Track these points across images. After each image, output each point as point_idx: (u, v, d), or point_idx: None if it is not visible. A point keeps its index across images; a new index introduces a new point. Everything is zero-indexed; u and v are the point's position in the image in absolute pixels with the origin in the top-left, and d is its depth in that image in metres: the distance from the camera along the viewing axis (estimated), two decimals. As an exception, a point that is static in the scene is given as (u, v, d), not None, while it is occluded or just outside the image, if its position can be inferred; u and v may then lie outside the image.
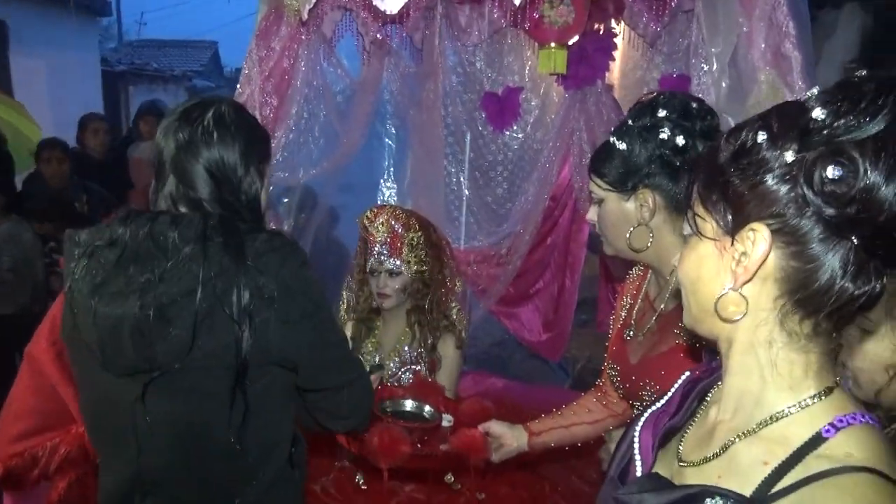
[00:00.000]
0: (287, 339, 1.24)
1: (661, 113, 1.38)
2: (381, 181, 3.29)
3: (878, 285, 0.71)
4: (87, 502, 1.75)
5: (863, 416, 0.73)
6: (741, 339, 0.78)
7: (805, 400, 0.74)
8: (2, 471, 1.67)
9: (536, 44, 3.21)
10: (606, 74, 3.06)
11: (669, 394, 0.97)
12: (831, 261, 0.70)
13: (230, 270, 1.18)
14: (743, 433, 0.78)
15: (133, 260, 1.19)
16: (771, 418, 0.76)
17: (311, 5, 2.34)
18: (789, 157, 0.69)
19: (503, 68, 3.27)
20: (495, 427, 1.79)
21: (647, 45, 3.00)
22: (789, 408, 0.75)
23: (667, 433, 0.92)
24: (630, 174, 1.41)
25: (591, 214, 1.56)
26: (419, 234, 2.26)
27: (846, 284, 0.70)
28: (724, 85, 1.90)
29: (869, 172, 0.65)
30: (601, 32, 3.00)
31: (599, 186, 1.48)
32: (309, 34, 2.49)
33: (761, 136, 0.72)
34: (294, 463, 1.41)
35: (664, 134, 1.36)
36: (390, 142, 3.34)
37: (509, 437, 1.77)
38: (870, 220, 0.66)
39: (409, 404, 2.02)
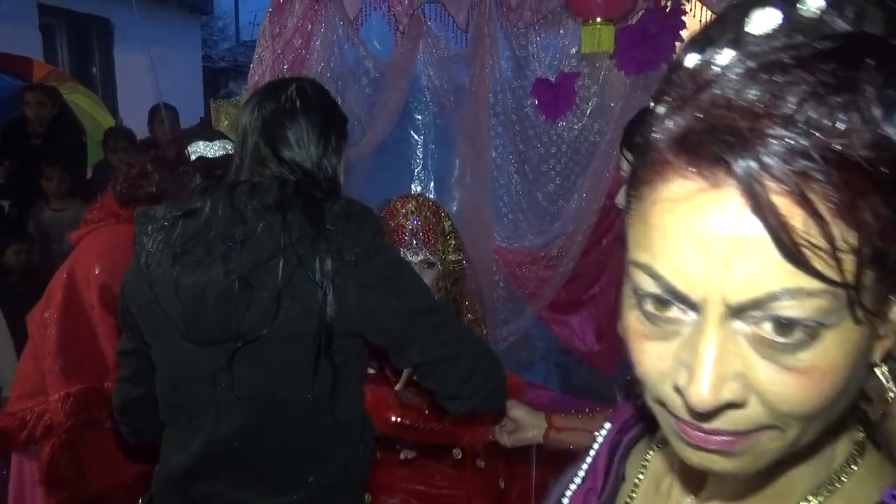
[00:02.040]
0: (365, 304, 1.21)
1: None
2: (415, 172, 3.09)
3: None
4: (80, 469, 1.83)
5: None
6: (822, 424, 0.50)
7: (836, 474, 0.51)
8: None
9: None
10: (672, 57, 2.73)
11: (588, 460, 0.73)
12: None
13: (310, 235, 1.18)
14: None
15: (214, 229, 1.20)
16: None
17: (324, -21, 2.20)
18: None
19: (558, 52, 2.99)
20: (516, 410, 1.63)
21: (720, 22, 2.64)
22: (833, 480, 0.51)
23: None
24: None
25: (620, 198, 1.31)
26: (450, 222, 2.10)
27: None
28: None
29: None
30: (667, 9, 2.68)
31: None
32: (324, 10, 2.33)
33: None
34: (363, 450, 1.35)
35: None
36: (426, 130, 3.13)
37: (527, 423, 1.61)
38: None
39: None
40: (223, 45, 15.48)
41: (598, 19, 2.30)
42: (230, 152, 1.68)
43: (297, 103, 1.31)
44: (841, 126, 0.39)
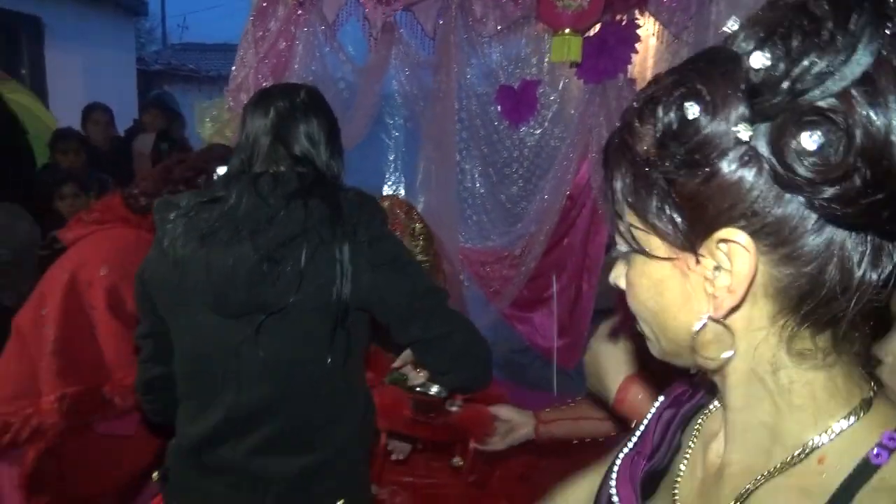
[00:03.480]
0: (375, 282, 1.31)
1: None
2: (386, 174, 3.17)
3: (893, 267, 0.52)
4: (62, 473, 1.79)
5: None
6: (738, 369, 0.59)
7: (838, 423, 0.56)
8: None
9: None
10: (629, 68, 2.90)
11: (640, 429, 0.78)
12: (839, 252, 0.51)
13: (329, 219, 1.28)
14: (763, 476, 0.59)
15: (240, 212, 1.28)
16: (798, 455, 0.57)
17: (308, -16, 2.25)
18: (742, 131, 0.49)
19: (520, 61, 3.12)
20: (505, 411, 1.71)
21: (672, 36, 2.83)
22: (819, 437, 0.57)
23: (650, 480, 0.73)
24: None
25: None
26: (421, 224, 2.19)
27: (868, 275, 0.52)
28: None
29: (860, 128, 0.46)
30: (623, 23, 2.85)
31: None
32: (307, 15, 2.39)
33: (692, 109, 0.51)
34: (368, 418, 1.45)
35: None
36: (397, 133, 3.21)
37: (518, 422, 1.70)
38: (873, 190, 0.47)
39: (417, 380, 1.92)
40: (150, 47, 15.03)
41: (567, 30, 2.44)
42: None
43: (309, 105, 1.40)
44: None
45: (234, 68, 2.43)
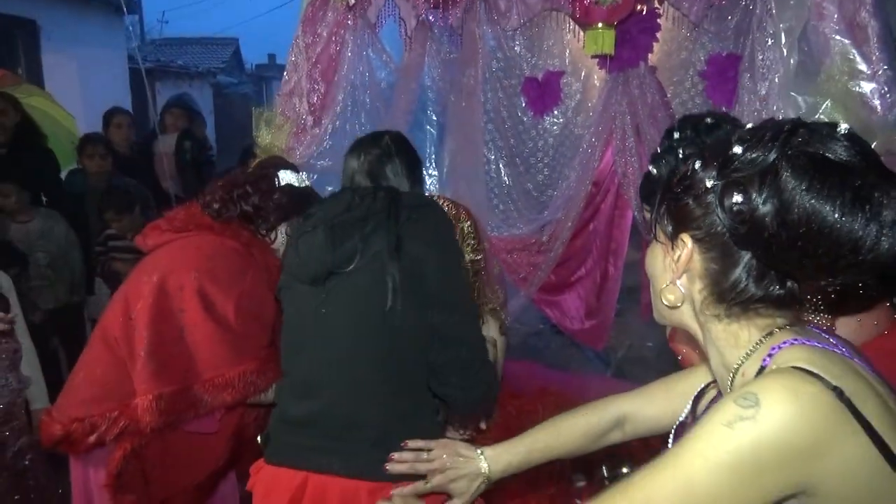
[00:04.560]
0: (414, 249, 1.48)
1: (676, 135, 1.53)
2: (423, 169, 3.25)
3: (780, 289, 0.85)
4: (144, 473, 1.85)
5: (795, 340, 0.84)
6: (693, 328, 0.95)
7: (750, 348, 0.87)
8: (62, 432, 1.77)
9: (576, 26, 3.17)
10: (649, 56, 3.00)
11: (688, 405, 1.09)
12: (738, 266, 0.85)
13: (391, 206, 1.52)
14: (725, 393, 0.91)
15: (328, 209, 1.58)
16: (734, 375, 0.89)
17: (358, -10, 2.32)
18: (709, 183, 0.84)
19: (543, 52, 3.21)
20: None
21: (692, 24, 2.93)
22: (741, 359, 0.88)
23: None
24: None
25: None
26: (469, 222, 2.25)
27: (749, 286, 0.85)
28: (792, 62, 1.82)
29: (755, 199, 0.78)
30: (643, 13, 2.94)
31: (649, 212, 1.51)
32: (356, 20, 2.46)
33: (697, 165, 0.87)
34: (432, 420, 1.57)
35: (680, 153, 1.39)
36: (431, 129, 3.30)
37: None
38: (759, 237, 0.80)
39: None
40: (129, 43, 14.85)
41: (600, 25, 2.53)
42: (308, 183, 2.01)
43: (392, 148, 1.70)
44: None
45: (285, 73, 2.50)
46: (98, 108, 5.86)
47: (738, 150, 0.81)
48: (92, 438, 1.78)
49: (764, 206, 0.77)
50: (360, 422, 1.48)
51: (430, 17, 2.84)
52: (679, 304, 0.92)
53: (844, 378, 0.76)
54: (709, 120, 1.50)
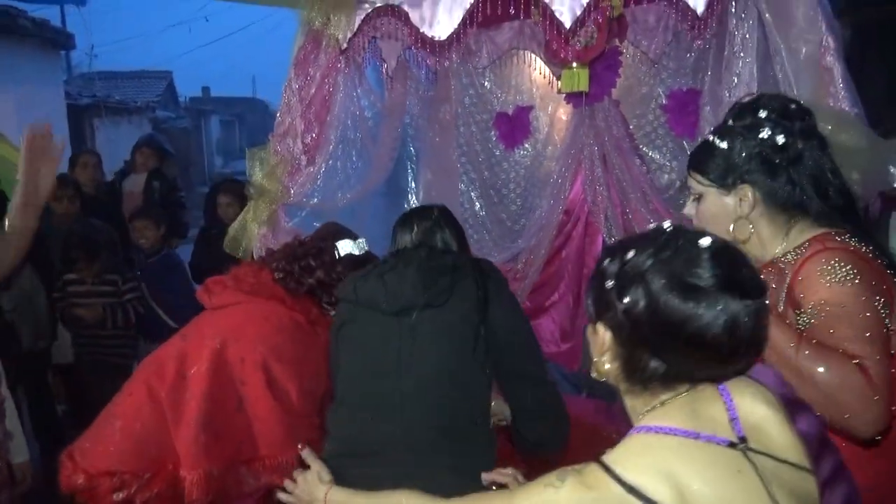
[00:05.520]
0: (498, 309, 1.61)
1: (762, 113, 1.47)
2: (405, 204, 3.34)
3: (675, 371, 0.98)
4: None
5: (650, 428, 0.98)
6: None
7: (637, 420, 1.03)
8: (85, 483, 1.66)
9: (541, 64, 3.34)
10: (612, 91, 3.19)
11: None
12: (638, 351, 0.99)
13: (472, 263, 1.66)
14: None
15: (409, 258, 1.65)
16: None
17: (352, 34, 2.40)
18: (610, 284, 1.00)
19: (512, 88, 3.36)
20: None
21: (651, 61, 3.13)
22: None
23: None
24: (731, 171, 1.48)
25: (689, 209, 1.62)
26: None
27: (648, 367, 0.99)
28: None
29: (637, 301, 0.95)
30: (606, 51, 3.13)
31: (700, 182, 1.55)
32: (348, 62, 2.54)
33: (607, 261, 1.03)
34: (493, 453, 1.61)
35: (765, 133, 1.45)
36: (411, 163, 3.40)
37: None
38: (640, 332, 0.97)
39: None
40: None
41: (575, 64, 2.69)
42: (367, 249, 2.00)
43: (441, 219, 1.79)
44: None
45: (278, 115, 2.55)
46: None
47: (630, 254, 0.99)
48: (118, 496, 1.67)
49: (638, 306, 0.96)
50: (440, 448, 1.52)
51: (408, 57, 2.95)
52: (604, 379, 1.07)
53: (651, 469, 0.92)
54: (793, 106, 1.48)
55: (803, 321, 1.37)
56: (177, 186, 4.89)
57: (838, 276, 1.33)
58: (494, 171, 3.41)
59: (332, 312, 1.89)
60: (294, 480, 1.53)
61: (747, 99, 1.54)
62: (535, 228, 3.38)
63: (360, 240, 1.98)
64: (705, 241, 0.96)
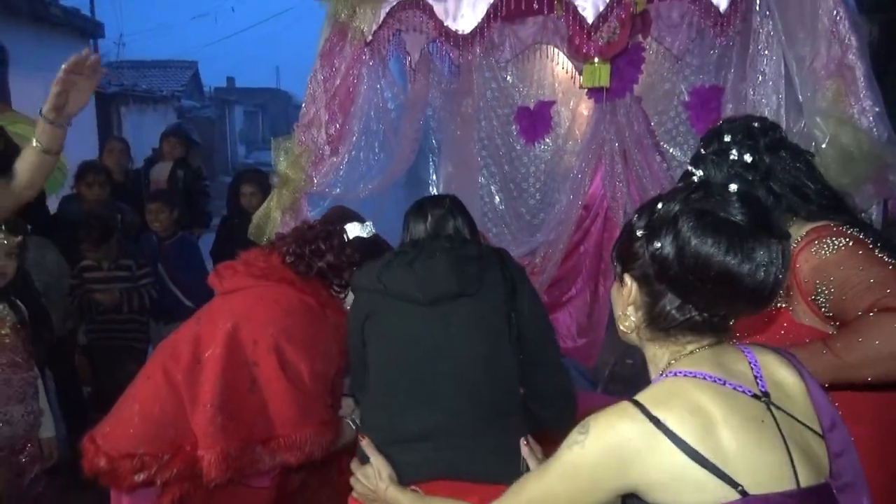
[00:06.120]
0: (524, 298, 1.66)
1: (727, 137, 1.57)
2: (430, 191, 3.37)
3: (698, 317, 1.02)
4: None
5: (678, 372, 1.02)
6: (641, 347, 1.14)
7: (660, 370, 1.07)
8: (107, 465, 1.70)
9: (564, 58, 3.35)
10: (634, 87, 3.18)
11: None
12: (664, 298, 1.03)
13: (497, 254, 1.72)
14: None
15: (433, 247, 1.68)
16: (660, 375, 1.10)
17: (377, 27, 2.43)
18: (639, 232, 1.04)
19: (534, 83, 3.38)
20: None
21: (674, 57, 3.13)
22: (656, 378, 1.07)
23: None
24: None
25: None
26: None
27: (672, 314, 1.03)
28: (779, 97, 2.03)
29: (663, 244, 0.99)
30: (629, 46, 3.13)
31: None
32: (373, 55, 2.58)
33: (635, 217, 1.08)
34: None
35: (733, 155, 1.55)
36: (433, 156, 3.43)
37: None
38: (666, 274, 1.00)
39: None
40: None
41: (597, 60, 2.70)
42: (375, 233, 2.00)
43: (453, 208, 1.81)
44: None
45: (303, 105, 2.60)
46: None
47: (659, 205, 1.02)
48: (140, 477, 1.71)
49: (667, 249, 0.99)
50: (482, 431, 1.57)
51: (432, 50, 2.98)
52: (630, 332, 1.11)
53: (678, 404, 0.97)
54: (756, 124, 1.58)
55: (821, 301, 1.44)
56: (201, 175, 4.97)
57: (831, 249, 1.41)
58: (514, 164, 3.43)
59: (343, 296, 1.94)
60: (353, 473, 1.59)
61: (714, 126, 1.64)
62: (553, 223, 3.39)
63: (367, 223, 1.99)
64: (734, 187, 0.99)
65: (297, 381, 1.75)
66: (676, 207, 0.99)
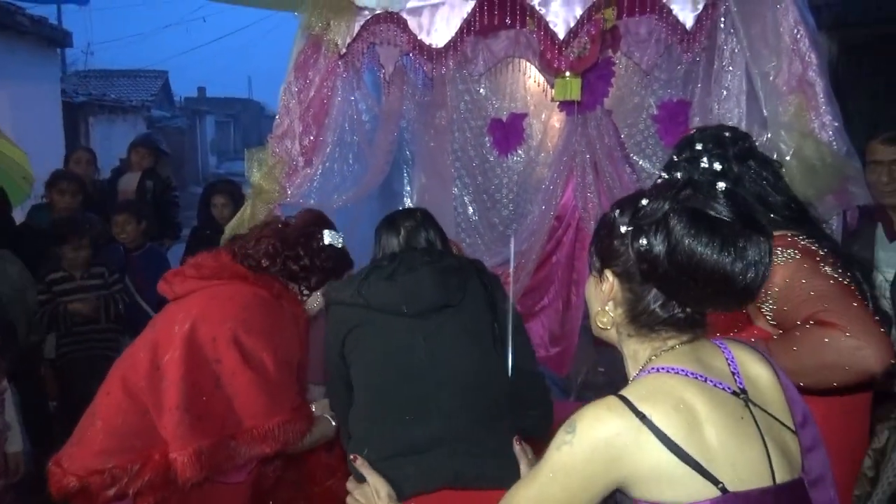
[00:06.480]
0: (503, 307, 1.71)
1: (699, 146, 1.63)
2: (399, 207, 3.39)
3: (681, 314, 1.03)
4: None
5: (661, 368, 1.02)
6: (617, 345, 1.14)
7: (640, 366, 1.07)
8: (78, 484, 1.68)
9: (536, 72, 3.41)
10: (605, 100, 3.25)
11: None
12: (648, 295, 1.04)
13: (473, 263, 1.79)
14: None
15: (414, 260, 1.71)
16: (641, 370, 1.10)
17: (351, 39, 2.45)
18: (624, 228, 1.03)
19: (507, 95, 3.43)
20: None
21: (643, 72, 3.21)
22: (635, 374, 1.07)
23: None
24: None
25: None
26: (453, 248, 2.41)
27: (656, 310, 1.04)
28: (741, 109, 2.11)
29: (652, 242, 0.98)
30: (599, 61, 3.20)
31: None
32: (347, 67, 2.60)
33: (617, 213, 1.06)
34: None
35: (704, 163, 1.58)
36: (407, 168, 3.45)
37: None
38: (656, 272, 0.99)
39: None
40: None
41: (568, 74, 2.75)
42: (343, 243, 2.02)
43: (424, 221, 1.85)
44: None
45: (277, 117, 2.60)
46: (31, 141, 5.71)
47: (644, 202, 1.02)
48: (111, 492, 1.69)
49: (657, 248, 0.98)
50: (480, 437, 1.59)
51: (406, 62, 3.01)
52: (609, 328, 1.11)
53: (663, 400, 0.98)
54: (727, 133, 1.64)
55: (766, 309, 1.49)
56: (171, 186, 4.92)
57: (780, 259, 1.44)
58: (488, 176, 3.47)
59: (306, 298, 1.95)
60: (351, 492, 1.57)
61: (687, 134, 1.69)
62: (526, 233, 3.44)
63: (339, 233, 2.02)
64: (721, 185, 0.99)
65: (262, 371, 1.74)
66: (666, 205, 0.98)
